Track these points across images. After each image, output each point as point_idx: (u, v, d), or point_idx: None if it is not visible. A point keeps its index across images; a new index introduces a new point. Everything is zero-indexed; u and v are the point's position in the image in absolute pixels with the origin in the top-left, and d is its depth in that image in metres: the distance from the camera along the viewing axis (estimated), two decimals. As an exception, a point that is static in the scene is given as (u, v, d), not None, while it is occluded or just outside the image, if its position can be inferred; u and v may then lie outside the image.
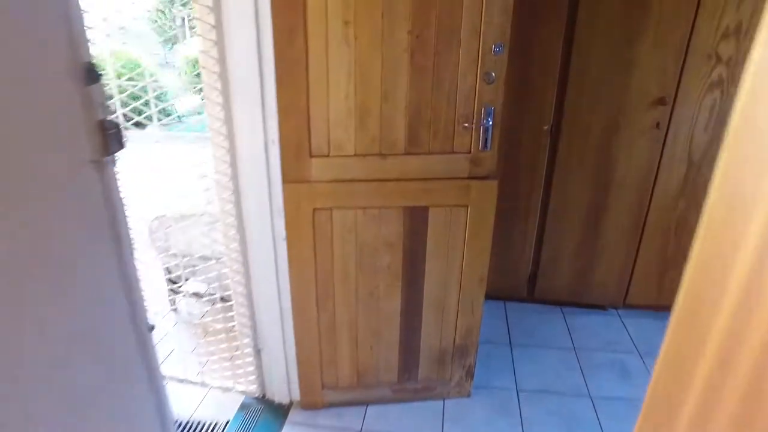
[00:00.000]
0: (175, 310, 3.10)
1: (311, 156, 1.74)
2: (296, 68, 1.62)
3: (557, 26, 2.39)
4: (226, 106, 1.73)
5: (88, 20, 0.93)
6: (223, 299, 2.16)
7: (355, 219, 1.83)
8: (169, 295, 2.95)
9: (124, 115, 1.84)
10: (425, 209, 1.83)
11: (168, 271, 2.99)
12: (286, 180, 1.77)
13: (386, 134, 1.73)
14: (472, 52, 1.65)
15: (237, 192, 1.88)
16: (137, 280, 1.08)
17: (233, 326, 2.19)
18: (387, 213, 1.83)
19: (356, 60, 1.64)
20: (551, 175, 2.65)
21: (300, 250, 1.87)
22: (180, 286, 2.83)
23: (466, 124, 1.72)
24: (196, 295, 2.86)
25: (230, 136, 1.77)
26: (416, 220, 1.85)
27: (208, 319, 2.64)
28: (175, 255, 2.70)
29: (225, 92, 1.71)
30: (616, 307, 2.92)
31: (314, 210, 1.81)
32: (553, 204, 2.71)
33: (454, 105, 1.71)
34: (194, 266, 2.59)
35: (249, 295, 2.09)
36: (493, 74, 1.67)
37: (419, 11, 1.59)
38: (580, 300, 2.91)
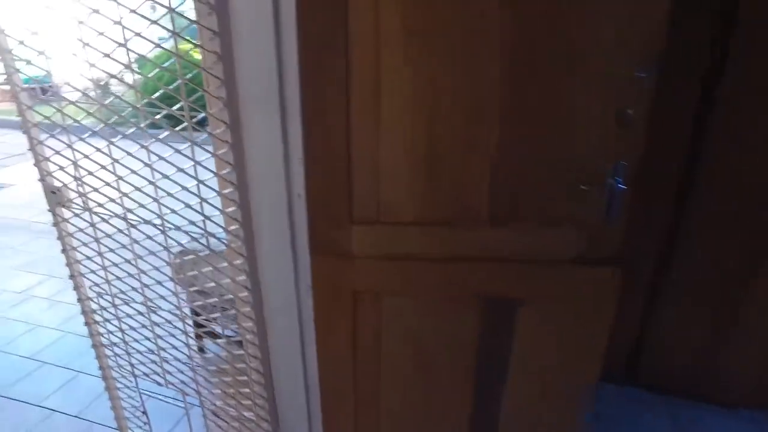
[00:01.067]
0: (201, 350, 2.72)
1: (352, 222, 1.21)
2: (331, 95, 1.10)
3: (700, 29, 1.75)
4: (236, 144, 1.23)
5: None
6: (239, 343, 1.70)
7: (413, 309, 1.29)
8: (195, 337, 2.56)
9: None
10: (513, 303, 1.26)
11: (194, 311, 2.60)
12: (315, 251, 1.25)
13: (461, 194, 1.17)
14: (598, 77, 1.07)
15: (252, 257, 1.38)
16: None
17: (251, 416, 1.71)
18: (458, 305, 1.27)
19: (423, 85, 1.09)
20: (675, 229, 2.01)
21: (334, 343, 1.35)
22: (208, 326, 2.42)
23: (584, 186, 1.14)
24: (225, 337, 2.46)
25: (241, 186, 1.27)
26: (500, 317, 1.28)
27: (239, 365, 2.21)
28: (200, 293, 2.28)
29: (234, 126, 1.21)
30: (750, 407, 2.22)
31: (355, 293, 1.28)
32: (675, 262, 2.06)
33: (566, 155, 1.13)
34: (222, 306, 2.15)
35: (269, 387, 1.59)
36: (631, 113, 1.08)
37: (520, 14, 1.03)
38: (699, 391, 2.24)
